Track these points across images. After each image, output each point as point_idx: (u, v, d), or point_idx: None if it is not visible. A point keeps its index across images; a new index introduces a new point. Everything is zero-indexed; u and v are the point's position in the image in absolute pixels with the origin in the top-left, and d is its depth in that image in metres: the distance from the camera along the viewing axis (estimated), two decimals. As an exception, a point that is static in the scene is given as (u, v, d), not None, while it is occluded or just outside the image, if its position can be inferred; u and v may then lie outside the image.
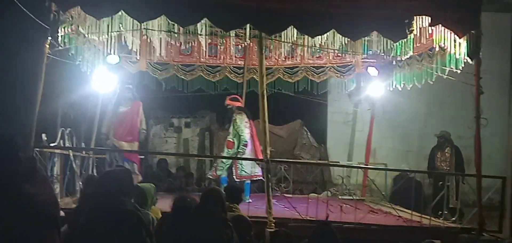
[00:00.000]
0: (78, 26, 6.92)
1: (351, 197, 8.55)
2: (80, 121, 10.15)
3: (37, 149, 6.72)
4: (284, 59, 9.71)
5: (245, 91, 9.88)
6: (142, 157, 9.43)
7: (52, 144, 7.48)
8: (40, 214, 3.00)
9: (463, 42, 6.64)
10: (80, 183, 8.28)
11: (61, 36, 6.63)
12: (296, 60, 9.73)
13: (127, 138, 8.90)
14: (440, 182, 7.42)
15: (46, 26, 6.27)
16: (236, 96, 9.17)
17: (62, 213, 6.08)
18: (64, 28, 6.63)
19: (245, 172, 8.53)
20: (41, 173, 3.28)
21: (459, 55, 6.76)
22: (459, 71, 7.02)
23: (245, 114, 8.81)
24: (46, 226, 3.03)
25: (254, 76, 9.77)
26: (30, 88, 6.39)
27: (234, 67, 9.97)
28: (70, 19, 6.67)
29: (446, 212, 7.20)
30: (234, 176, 8.57)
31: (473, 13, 6.61)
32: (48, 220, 3.05)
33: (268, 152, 6.78)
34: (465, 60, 6.75)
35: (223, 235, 4.32)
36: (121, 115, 8.90)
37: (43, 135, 7.63)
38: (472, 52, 6.56)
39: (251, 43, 8.78)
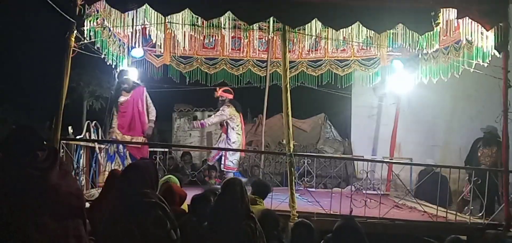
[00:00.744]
0: (104, 20, 6.99)
1: (375, 192, 8.48)
2: (105, 114, 10.27)
3: (64, 141, 6.81)
4: (307, 52, 9.67)
5: (268, 85, 9.86)
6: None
7: (78, 137, 7.59)
8: (65, 205, 3.04)
9: (490, 35, 6.52)
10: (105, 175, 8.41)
11: (87, 29, 6.70)
12: (320, 53, 9.68)
13: (128, 133, 8.59)
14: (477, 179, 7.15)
15: (72, 20, 6.36)
16: (229, 88, 9.48)
17: (87, 205, 6.21)
18: (89, 21, 6.71)
19: (232, 163, 9.36)
20: (64, 164, 3.32)
21: (487, 48, 6.63)
22: (486, 65, 6.89)
23: (235, 108, 9.39)
24: (71, 217, 3.07)
25: (277, 69, 9.75)
26: (56, 81, 6.49)
27: (257, 60, 9.97)
28: (96, 12, 6.75)
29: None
30: (222, 166, 9.28)
31: (500, 4, 6.49)
32: (73, 211, 3.08)
33: (291, 145, 6.76)
34: (493, 53, 6.63)
35: (246, 227, 4.32)
36: (121, 107, 8.61)
37: (70, 128, 7.75)
38: (500, 45, 6.44)
39: (274, 36, 8.76)
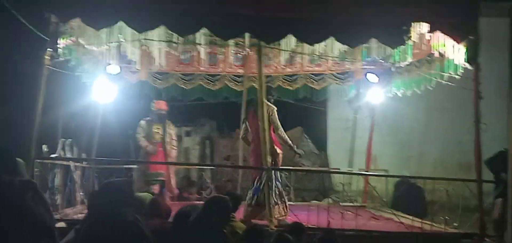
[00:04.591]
0: (78, 37, 6.94)
1: (352, 204, 8.54)
2: (81, 132, 10.17)
3: (38, 160, 6.72)
4: (283, 67, 9.71)
5: (245, 100, 9.88)
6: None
7: (52, 155, 7.51)
8: (41, 226, 3.01)
9: (461, 48, 6.66)
10: (81, 194, 8.31)
11: (61, 47, 6.64)
12: (296, 67, 9.72)
13: None
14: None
15: (46, 38, 6.31)
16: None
17: (63, 224, 6.13)
18: (63, 39, 6.65)
19: None
20: (35, 185, 3.29)
21: (458, 60, 6.77)
22: (458, 77, 7.03)
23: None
24: (45, 237, 3.04)
25: (254, 84, 9.77)
26: (29, 99, 6.42)
27: (234, 75, 9.95)
28: (70, 30, 6.70)
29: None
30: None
31: (471, 19, 6.64)
32: (47, 231, 3.05)
33: (269, 159, 6.78)
34: (464, 66, 6.77)
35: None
36: None
37: (44, 146, 7.66)
38: (471, 57, 6.58)
39: (250, 52, 8.79)
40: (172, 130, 9.47)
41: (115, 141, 10.41)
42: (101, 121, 9.13)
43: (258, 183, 7.18)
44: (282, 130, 7.50)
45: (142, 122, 9.27)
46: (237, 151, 10.60)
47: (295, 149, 7.75)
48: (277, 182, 7.26)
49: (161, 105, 9.30)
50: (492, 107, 6.98)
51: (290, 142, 7.62)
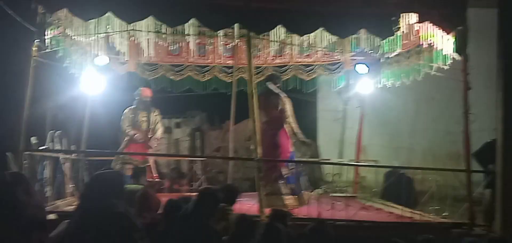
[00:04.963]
0: (65, 28, 6.87)
1: (342, 195, 8.57)
2: (69, 124, 10.10)
3: (27, 152, 6.67)
4: (273, 58, 9.70)
5: (234, 91, 9.86)
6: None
7: (41, 147, 7.45)
8: (32, 219, 2.99)
9: (450, 38, 6.69)
10: (71, 186, 8.26)
11: (48, 38, 6.58)
12: (285, 58, 9.72)
13: None
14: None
15: (33, 29, 6.25)
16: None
17: (53, 216, 6.10)
18: (51, 30, 6.59)
19: None
20: (24, 177, 3.27)
21: (447, 51, 6.80)
22: (447, 67, 7.06)
23: None
24: (36, 230, 3.02)
25: (244, 75, 9.75)
26: (17, 91, 6.36)
27: (223, 66, 9.91)
28: (57, 21, 6.63)
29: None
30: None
31: (459, 9, 6.67)
32: (38, 224, 3.03)
33: (259, 151, 6.78)
34: (453, 56, 6.80)
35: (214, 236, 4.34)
36: None
37: (33, 138, 7.61)
38: (459, 48, 6.62)
39: (239, 43, 8.76)
40: (158, 117, 9.39)
41: (104, 132, 10.34)
42: (90, 113, 9.07)
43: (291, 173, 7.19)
44: (293, 121, 7.45)
45: (127, 111, 9.18)
46: (228, 143, 10.58)
47: (304, 139, 7.71)
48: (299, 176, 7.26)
49: (146, 93, 9.23)
50: (481, 98, 7.03)
51: (300, 133, 7.65)
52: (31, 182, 3.39)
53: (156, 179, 9.24)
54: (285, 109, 7.53)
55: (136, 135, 9.04)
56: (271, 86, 7.81)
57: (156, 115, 9.34)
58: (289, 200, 7.16)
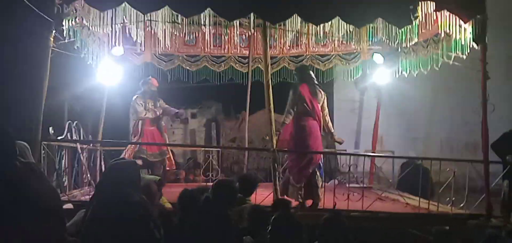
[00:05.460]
0: (82, 19, 6.92)
1: (358, 185, 8.53)
2: (86, 114, 10.19)
3: (45, 142, 6.73)
4: (289, 48, 9.66)
5: (250, 81, 9.86)
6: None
7: (59, 137, 7.52)
8: (43, 207, 3.01)
9: (468, 27, 6.59)
10: (88, 175, 8.34)
11: (66, 29, 6.63)
12: (301, 48, 9.68)
13: None
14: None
15: (50, 19, 6.29)
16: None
17: (70, 205, 6.17)
18: (68, 20, 6.63)
19: None
20: (35, 165, 3.29)
21: (465, 40, 6.71)
22: (465, 57, 6.97)
23: None
24: (50, 218, 3.04)
25: (260, 65, 9.73)
26: (35, 82, 6.42)
27: (239, 57, 9.91)
28: (74, 11, 6.67)
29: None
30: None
31: (478, -3, 6.57)
32: (51, 212, 3.06)
33: (275, 141, 6.77)
34: (471, 46, 6.70)
35: (230, 227, 4.35)
36: None
37: (50, 128, 7.67)
38: (478, 37, 6.51)
39: (255, 33, 8.74)
40: (163, 105, 9.32)
41: (121, 123, 10.42)
42: (107, 103, 9.13)
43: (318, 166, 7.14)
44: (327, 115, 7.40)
45: (137, 97, 9.05)
46: (243, 133, 10.58)
47: (336, 137, 7.62)
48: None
49: (155, 82, 9.21)
50: (500, 88, 6.94)
51: (332, 129, 7.53)
52: (44, 171, 3.42)
53: (174, 169, 9.26)
54: (324, 104, 7.41)
55: (148, 114, 8.97)
56: (313, 75, 7.55)
57: (162, 103, 9.29)
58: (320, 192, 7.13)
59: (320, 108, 7.27)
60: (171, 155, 9.34)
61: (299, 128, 7.14)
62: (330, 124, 7.49)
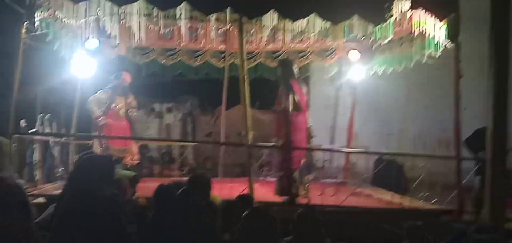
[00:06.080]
0: (55, 11, 6.79)
1: (333, 181, 8.59)
2: (59, 107, 10.04)
3: (16, 135, 6.62)
4: (265, 43, 9.64)
5: (226, 76, 9.82)
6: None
7: (31, 131, 7.41)
8: (8, 201, 2.95)
9: (442, 26, 6.68)
10: (60, 169, 8.23)
11: (38, 20, 6.50)
12: (278, 44, 9.67)
13: None
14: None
15: (22, 11, 6.17)
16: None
17: (42, 200, 6.07)
18: (40, 12, 6.51)
19: None
20: None
21: (439, 39, 6.80)
22: (439, 55, 7.06)
23: None
24: (16, 212, 2.98)
25: (236, 60, 9.69)
26: (6, 74, 6.31)
27: (215, 51, 9.86)
28: (47, 3, 6.55)
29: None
30: None
31: (452, -4, 6.66)
32: (17, 206, 2.99)
33: (250, 136, 6.77)
34: (445, 44, 6.79)
35: (206, 221, 4.33)
36: None
37: (22, 122, 7.55)
38: (452, 35, 6.62)
39: (232, 27, 8.71)
40: (133, 102, 9.01)
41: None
42: (80, 96, 9.00)
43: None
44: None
45: (101, 94, 8.62)
46: (219, 128, 10.56)
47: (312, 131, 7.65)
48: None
49: (127, 77, 8.98)
50: (472, 86, 7.04)
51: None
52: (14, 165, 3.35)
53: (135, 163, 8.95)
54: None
55: (103, 120, 8.52)
56: (297, 71, 7.61)
57: (131, 100, 8.95)
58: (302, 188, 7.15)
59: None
60: (134, 148, 9.02)
61: (289, 123, 7.24)
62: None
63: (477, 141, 6.95)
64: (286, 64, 7.84)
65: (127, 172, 6.00)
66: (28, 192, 5.38)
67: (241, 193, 5.51)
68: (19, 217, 2.96)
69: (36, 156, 8.02)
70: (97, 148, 8.26)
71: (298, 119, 7.28)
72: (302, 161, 7.13)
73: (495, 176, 6.24)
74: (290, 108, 7.24)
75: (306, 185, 7.10)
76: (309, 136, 7.52)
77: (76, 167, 4.01)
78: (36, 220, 3.77)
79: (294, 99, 7.27)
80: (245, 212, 4.13)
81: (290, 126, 7.22)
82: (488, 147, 6.31)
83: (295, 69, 7.57)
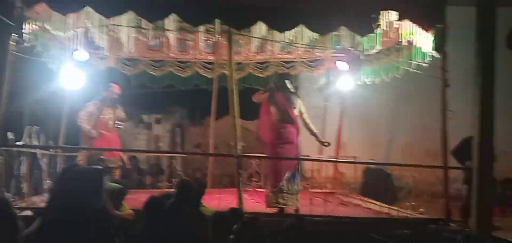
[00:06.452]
0: (43, 23, 6.78)
1: (321, 190, 8.62)
2: (47, 119, 9.98)
3: (3, 147, 6.57)
4: (254, 54, 9.68)
5: (215, 87, 9.83)
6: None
7: (18, 143, 7.35)
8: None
9: (429, 36, 6.76)
10: (48, 181, 8.16)
11: (26, 32, 6.48)
12: (266, 55, 9.70)
13: None
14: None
15: (10, 23, 6.15)
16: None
17: (29, 212, 6.03)
18: (29, 24, 6.49)
19: None
20: None
21: (426, 48, 6.88)
22: (426, 65, 7.14)
23: None
24: (6, 227, 2.98)
25: (225, 71, 9.71)
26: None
27: (204, 62, 9.86)
28: (35, 15, 6.54)
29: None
30: None
31: (438, 7, 6.78)
32: (7, 220, 2.99)
33: (239, 147, 6.78)
34: (432, 54, 6.87)
35: (197, 228, 4.34)
36: None
37: (10, 134, 7.49)
38: (438, 45, 6.72)
39: (220, 38, 8.73)
40: (122, 114, 8.98)
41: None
42: (69, 108, 8.96)
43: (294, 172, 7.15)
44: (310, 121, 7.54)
45: (90, 106, 8.58)
46: (208, 139, 10.55)
47: (320, 139, 7.71)
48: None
49: (116, 89, 8.95)
50: (459, 95, 7.12)
51: (319, 134, 7.64)
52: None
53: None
54: (301, 109, 7.53)
55: (92, 132, 8.49)
56: (289, 84, 7.66)
57: (120, 112, 8.91)
58: (292, 198, 7.14)
59: (296, 114, 7.36)
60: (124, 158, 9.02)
61: (276, 135, 7.28)
62: (311, 126, 7.58)
63: (465, 150, 7.03)
64: (275, 79, 7.93)
65: (114, 184, 5.96)
66: (15, 205, 5.35)
67: (233, 207, 5.51)
68: (6, 230, 2.95)
69: (24, 168, 7.94)
70: (83, 161, 8.21)
71: (285, 130, 7.29)
72: (288, 172, 7.12)
73: (482, 185, 6.32)
74: (275, 118, 7.30)
75: (296, 195, 7.10)
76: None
77: (64, 179, 3.99)
78: (24, 233, 3.73)
79: (278, 110, 7.29)
80: (236, 225, 4.16)
81: (276, 136, 7.25)
82: (474, 156, 6.38)
83: (283, 82, 7.63)
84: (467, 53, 6.78)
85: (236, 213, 5.09)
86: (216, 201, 6.56)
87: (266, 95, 7.51)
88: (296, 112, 7.40)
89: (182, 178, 5.69)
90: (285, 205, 7.03)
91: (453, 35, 6.98)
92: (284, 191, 7.04)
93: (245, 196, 7.01)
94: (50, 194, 4.88)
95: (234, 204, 6.59)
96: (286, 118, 7.31)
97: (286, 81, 7.69)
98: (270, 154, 7.34)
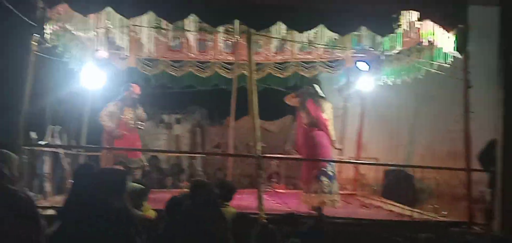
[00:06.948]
0: (65, 23, 6.86)
1: (342, 192, 8.56)
2: (69, 119, 10.09)
3: (26, 147, 6.66)
4: (274, 54, 9.66)
5: (235, 87, 9.83)
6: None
7: (41, 142, 7.45)
8: (21, 212, 2.99)
9: (451, 36, 6.67)
10: (70, 181, 8.25)
11: (48, 33, 6.56)
12: (286, 55, 9.68)
13: None
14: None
15: (33, 23, 6.23)
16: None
17: (52, 212, 6.09)
18: (50, 24, 6.56)
19: None
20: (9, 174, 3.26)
21: (447, 49, 6.78)
22: (447, 66, 7.04)
23: None
24: (27, 222, 3.01)
25: (244, 71, 9.70)
26: (17, 86, 6.36)
27: (224, 62, 9.89)
28: (57, 15, 6.62)
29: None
30: None
31: (460, 7, 6.67)
32: (28, 216, 3.03)
33: (259, 147, 6.77)
34: (454, 54, 6.77)
35: (217, 228, 4.33)
36: None
37: (32, 133, 7.59)
38: (460, 46, 6.61)
39: (240, 39, 8.73)
40: (143, 114, 9.11)
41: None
42: (90, 108, 9.05)
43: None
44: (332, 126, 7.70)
45: (111, 106, 8.73)
46: (228, 139, 10.56)
47: (336, 145, 7.87)
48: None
49: (137, 89, 9.04)
50: (481, 97, 7.00)
51: (333, 137, 7.73)
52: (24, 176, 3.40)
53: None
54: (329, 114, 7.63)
55: (114, 132, 8.61)
56: (318, 89, 7.80)
57: (140, 112, 9.01)
58: (328, 198, 7.16)
59: (325, 118, 7.58)
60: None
61: (307, 138, 7.52)
62: (331, 133, 7.70)
63: (491, 153, 6.90)
64: (306, 87, 8.10)
65: (136, 185, 5.99)
66: (38, 204, 5.41)
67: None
68: (29, 229, 2.99)
69: (46, 168, 8.04)
70: (106, 161, 8.31)
71: (314, 134, 7.47)
72: (315, 171, 7.16)
73: (506, 187, 6.21)
74: (305, 122, 7.52)
75: (333, 194, 7.14)
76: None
77: (84, 179, 4.00)
78: (46, 231, 3.77)
79: (307, 115, 7.51)
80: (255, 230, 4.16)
81: (305, 140, 7.48)
82: (498, 159, 6.27)
83: (312, 88, 7.80)
84: (489, 54, 6.67)
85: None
86: (236, 201, 6.54)
87: (297, 99, 7.71)
88: (325, 116, 7.41)
89: (195, 179, 5.70)
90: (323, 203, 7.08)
91: (475, 35, 6.87)
92: (319, 191, 7.06)
93: (265, 197, 6.99)
94: (69, 194, 4.93)
95: (254, 205, 6.58)
96: (315, 123, 7.49)
97: (315, 86, 7.81)
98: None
